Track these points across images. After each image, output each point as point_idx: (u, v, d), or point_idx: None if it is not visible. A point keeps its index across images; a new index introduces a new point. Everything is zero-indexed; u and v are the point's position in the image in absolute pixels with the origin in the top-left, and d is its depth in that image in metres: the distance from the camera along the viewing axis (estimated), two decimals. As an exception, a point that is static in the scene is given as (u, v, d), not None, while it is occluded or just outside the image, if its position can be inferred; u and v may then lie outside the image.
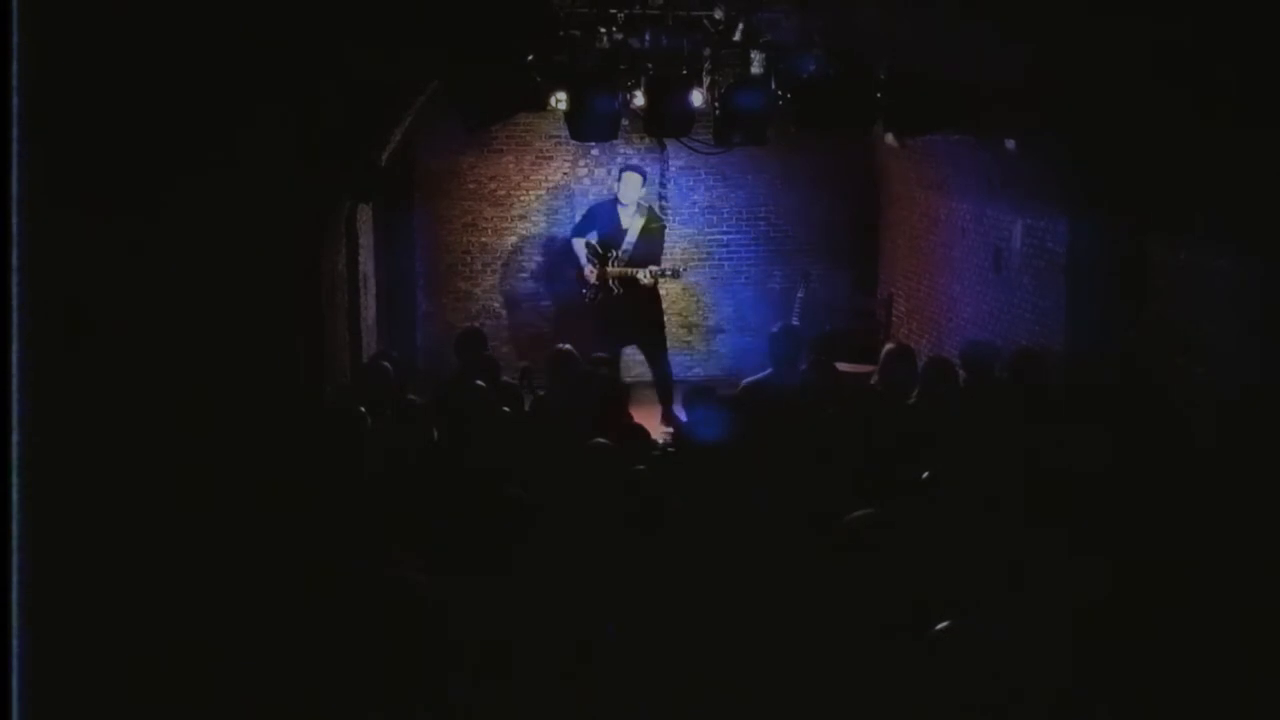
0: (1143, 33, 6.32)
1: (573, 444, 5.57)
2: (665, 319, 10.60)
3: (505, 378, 8.08)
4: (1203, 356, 6.87)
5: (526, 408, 7.64)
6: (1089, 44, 6.80)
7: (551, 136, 11.17)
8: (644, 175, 10.27)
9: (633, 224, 10.08)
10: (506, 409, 6.81)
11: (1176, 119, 6.72)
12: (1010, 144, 8.42)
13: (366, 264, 10.02)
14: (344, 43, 6.70)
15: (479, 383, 7.20)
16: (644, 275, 10.02)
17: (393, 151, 9.80)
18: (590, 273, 10.07)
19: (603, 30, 8.67)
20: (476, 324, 10.65)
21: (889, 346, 8.03)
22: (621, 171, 10.27)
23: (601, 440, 5.54)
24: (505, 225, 11.49)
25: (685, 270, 10.92)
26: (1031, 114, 7.89)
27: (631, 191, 10.15)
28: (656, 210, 10.68)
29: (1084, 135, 7.50)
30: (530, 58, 8.31)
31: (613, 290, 10.03)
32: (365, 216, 9.89)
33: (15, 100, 2.21)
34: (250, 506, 4.77)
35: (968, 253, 9.78)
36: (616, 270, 10.00)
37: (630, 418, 7.10)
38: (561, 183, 11.51)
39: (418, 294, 11.37)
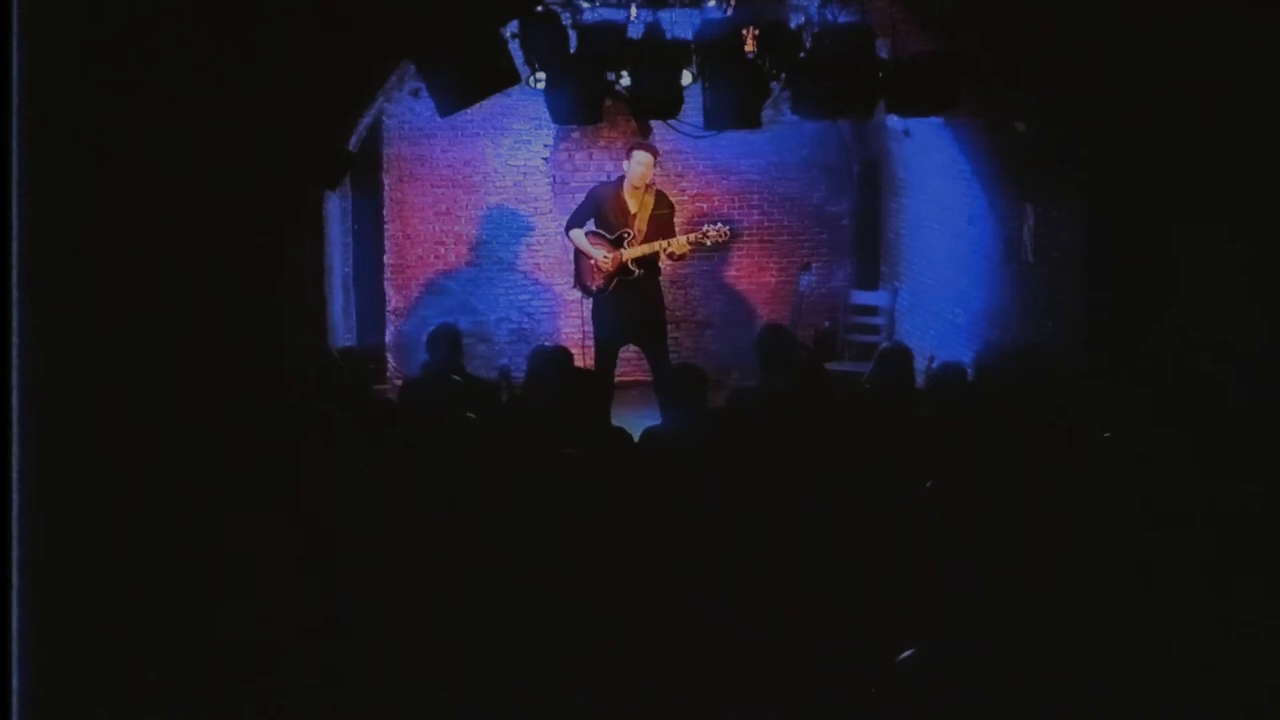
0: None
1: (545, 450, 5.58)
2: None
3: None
4: (1229, 355, 6.91)
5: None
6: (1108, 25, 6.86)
7: (530, 118, 11.17)
8: (655, 153, 9.72)
9: (642, 208, 9.54)
10: (485, 409, 6.84)
11: (1199, 102, 6.77)
12: (1021, 126, 8.45)
13: (331, 255, 10.03)
14: (310, 21, 6.73)
15: (455, 378, 7.22)
16: (706, 234, 9.57)
17: (360, 136, 9.82)
18: (605, 261, 9.47)
19: (585, 5, 8.70)
20: (450, 319, 10.60)
21: (882, 346, 8.04)
22: (631, 150, 9.70)
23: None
24: (480, 213, 11.49)
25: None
26: (1044, 95, 7.93)
27: (644, 171, 9.56)
28: (665, 193, 10.04)
29: (1099, 117, 7.54)
30: (508, 35, 8.32)
31: (633, 273, 9.47)
32: (330, 205, 9.90)
33: (15, 100, 2.25)
34: (205, 502, 4.83)
35: (976, 243, 9.82)
36: (635, 251, 9.43)
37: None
38: (541, 167, 11.52)
39: (386, 286, 11.37)
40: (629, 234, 9.39)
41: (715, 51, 8.45)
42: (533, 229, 11.52)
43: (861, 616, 4.08)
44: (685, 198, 11.36)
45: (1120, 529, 4.74)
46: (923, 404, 6.95)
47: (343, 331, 10.65)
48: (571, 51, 8.33)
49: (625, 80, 8.69)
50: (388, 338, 11.37)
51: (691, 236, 9.58)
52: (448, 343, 7.88)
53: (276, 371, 7.26)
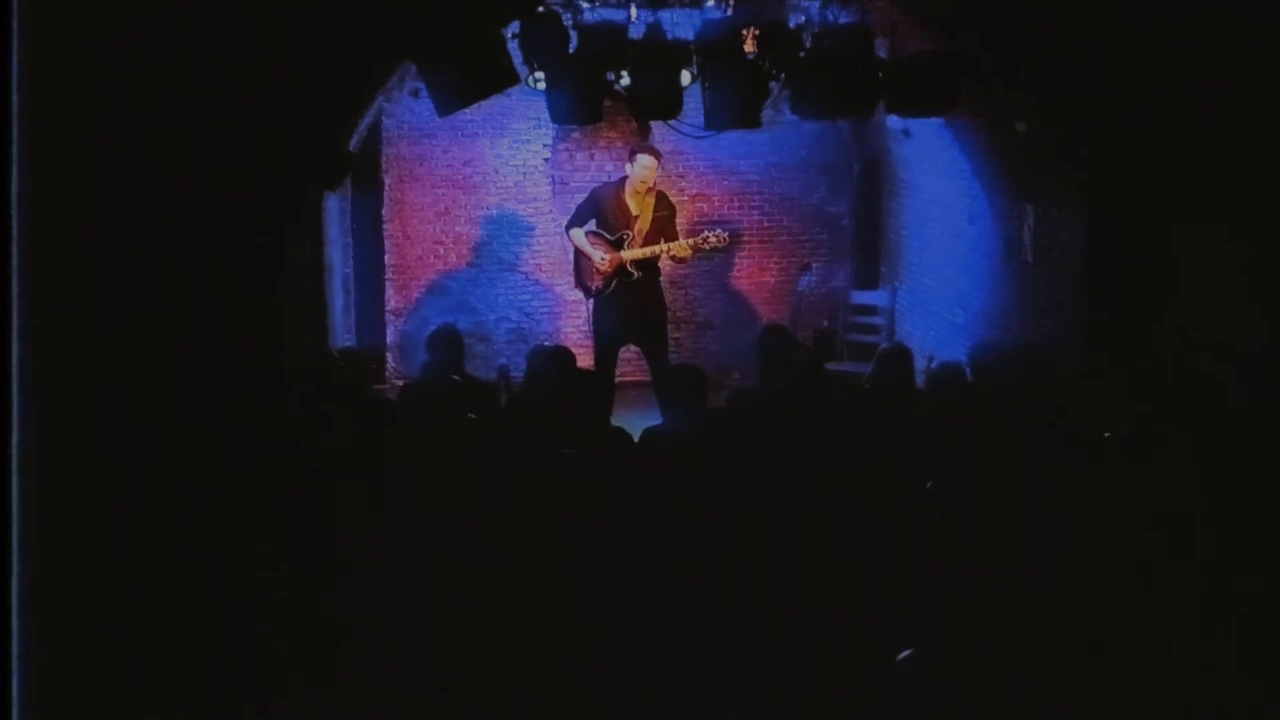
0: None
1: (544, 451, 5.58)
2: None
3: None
4: (1229, 355, 6.90)
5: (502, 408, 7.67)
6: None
7: (530, 118, 11.16)
8: (659, 156, 9.66)
9: (643, 210, 9.51)
10: (483, 409, 6.84)
11: (1199, 102, 6.77)
12: (1021, 126, 8.45)
13: (331, 255, 10.02)
14: (310, 21, 6.73)
15: (455, 379, 7.22)
16: (706, 238, 9.58)
17: (360, 136, 9.82)
18: (604, 262, 9.45)
19: (585, 5, 8.69)
20: (450, 320, 10.58)
21: (882, 346, 8.05)
22: (634, 152, 9.63)
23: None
24: (480, 213, 11.48)
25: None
26: (1044, 95, 7.93)
27: (647, 175, 9.49)
28: (666, 195, 10.01)
29: (1100, 117, 7.54)
30: (508, 35, 8.32)
31: (632, 275, 9.46)
32: (330, 205, 9.90)
33: (15, 100, 2.26)
34: (205, 502, 4.83)
35: (976, 243, 9.81)
36: (635, 254, 9.41)
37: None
38: (541, 167, 11.52)
39: (386, 286, 11.36)
40: (629, 235, 9.39)
41: (715, 51, 8.44)
42: (533, 229, 11.51)
43: (861, 616, 4.08)
44: (685, 198, 11.33)
45: (1120, 529, 4.74)
46: (923, 404, 6.95)
47: (343, 331, 10.65)
48: (571, 51, 8.32)
49: (625, 80, 8.67)
50: (388, 338, 11.36)
51: (692, 241, 9.59)
52: (447, 344, 7.87)
53: (276, 371, 7.27)
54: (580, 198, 10.00)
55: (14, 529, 2.42)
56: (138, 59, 5.40)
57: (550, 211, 11.33)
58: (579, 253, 9.60)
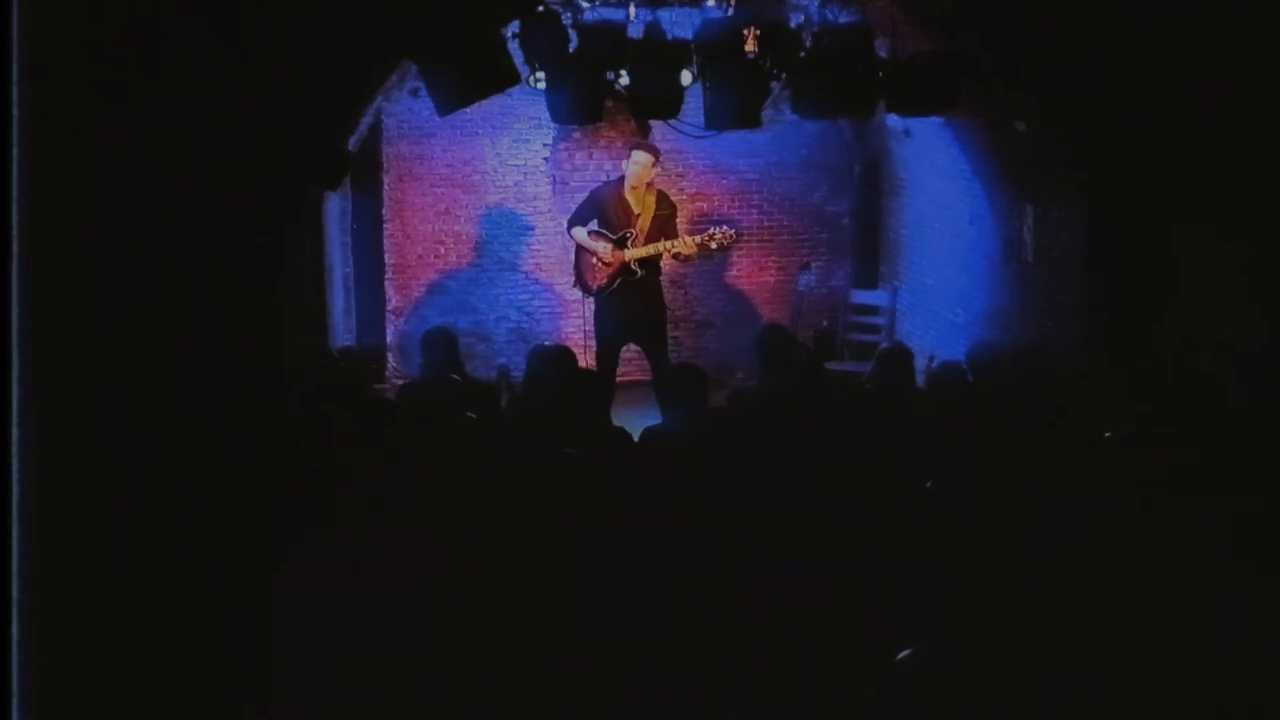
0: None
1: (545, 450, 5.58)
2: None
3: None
4: (1229, 355, 6.91)
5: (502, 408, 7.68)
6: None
7: (530, 118, 11.16)
8: (656, 154, 9.65)
9: (644, 209, 9.52)
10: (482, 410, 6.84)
11: (1199, 102, 6.77)
12: (1021, 126, 8.45)
13: (331, 255, 10.02)
14: (310, 21, 6.73)
15: (454, 378, 7.23)
16: (712, 235, 9.60)
17: (360, 136, 9.82)
18: (607, 260, 9.47)
19: (585, 5, 8.70)
20: (449, 319, 10.58)
21: (882, 346, 8.05)
22: (631, 150, 9.69)
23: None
24: (480, 212, 11.48)
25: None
26: (1044, 95, 7.93)
27: (642, 171, 9.53)
28: (666, 193, 10.01)
29: (1100, 117, 7.54)
30: (508, 35, 8.32)
31: (635, 273, 9.46)
32: (330, 205, 9.90)
33: (15, 100, 2.26)
34: (205, 502, 4.83)
35: (976, 243, 9.81)
36: (639, 252, 9.41)
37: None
38: (541, 167, 11.51)
39: (386, 286, 11.36)
40: (632, 234, 9.40)
41: (715, 51, 8.44)
42: (533, 229, 11.51)
43: (862, 616, 4.08)
44: (685, 197, 11.32)
45: (1120, 529, 4.74)
46: (923, 404, 6.95)
47: (343, 331, 10.65)
48: (571, 51, 8.33)
49: (625, 80, 8.67)
50: (388, 338, 11.37)
51: (697, 239, 9.59)
52: (442, 344, 7.88)
53: (276, 371, 7.26)
54: (581, 197, 10.01)
55: (14, 529, 2.43)
56: (138, 59, 5.40)
57: (550, 211, 11.33)
58: (579, 251, 9.61)
